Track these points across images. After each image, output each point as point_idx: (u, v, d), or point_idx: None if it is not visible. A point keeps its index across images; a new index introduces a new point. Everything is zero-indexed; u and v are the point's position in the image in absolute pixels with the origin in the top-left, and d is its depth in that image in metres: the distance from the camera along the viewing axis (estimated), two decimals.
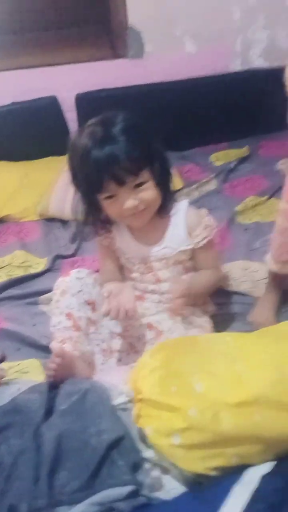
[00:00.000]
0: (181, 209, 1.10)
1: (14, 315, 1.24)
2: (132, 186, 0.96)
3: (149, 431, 0.76)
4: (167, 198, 1.06)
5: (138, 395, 0.79)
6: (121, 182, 0.95)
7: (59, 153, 1.95)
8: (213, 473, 0.71)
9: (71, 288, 1.09)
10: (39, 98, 1.99)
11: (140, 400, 0.78)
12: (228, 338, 0.86)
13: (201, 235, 1.08)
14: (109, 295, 1.00)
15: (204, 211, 1.12)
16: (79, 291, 1.09)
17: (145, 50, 2.05)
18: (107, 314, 0.99)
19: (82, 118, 2.03)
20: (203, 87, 2.10)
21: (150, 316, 1.11)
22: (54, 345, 0.99)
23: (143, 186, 0.98)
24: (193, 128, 2.05)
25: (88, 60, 2.05)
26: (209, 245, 1.10)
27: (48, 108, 2.00)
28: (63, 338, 1.02)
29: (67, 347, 1.00)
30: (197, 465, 0.71)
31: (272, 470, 0.67)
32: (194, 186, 1.85)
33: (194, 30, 2.05)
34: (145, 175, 0.97)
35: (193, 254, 1.11)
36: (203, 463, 0.71)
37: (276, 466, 0.68)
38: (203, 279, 1.11)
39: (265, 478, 0.66)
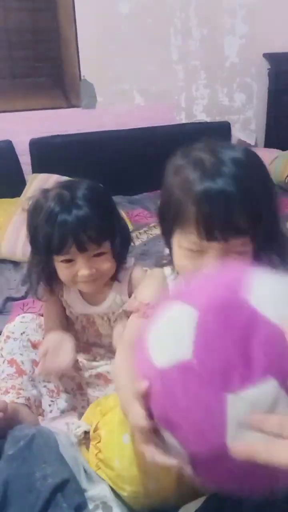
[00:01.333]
0: (127, 267, 1.10)
1: None
2: (92, 254, 0.98)
3: (103, 434, 0.82)
4: (121, 267, 1.07)
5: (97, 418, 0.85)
6: (83, 249, 0.96)
7: (11, 195, 2.01)
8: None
9: (14, 333, 1.11)
10: None
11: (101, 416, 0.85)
12: None
13: None
14: (44, 353, 1.00)
15: (149, 272, 1.11)
16: (22, 333, 1.11)
17: (97, 100, 2.18)
18: (39, 375, 1.02)
19: (36, 161, 2.11)
20: (151, 136, 2.25)
21: (99, 367, 1.14)
22: None
23: (102, 257, 1.00)
24: (142, 174, 2.17)
25: (43, 108, 2.15)
26: None
27: (2, 152, 2.06)
28: (6, 388, 1.02)
29: (10, 396, 1.00)
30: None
31: (202, 505, 0.74)
32: (142, 229, 1.95)
33: (142, 86, 2.22)
34: (106, 246, 0.99)
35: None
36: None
37: (205, 501, 0.75)
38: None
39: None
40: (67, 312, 1.15)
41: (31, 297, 1.56)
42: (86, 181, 1.02)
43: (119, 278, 1.09)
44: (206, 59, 2.23)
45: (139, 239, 1.91)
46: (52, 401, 1.10)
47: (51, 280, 1.07)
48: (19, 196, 1.99)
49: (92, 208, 0.95)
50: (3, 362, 1.07)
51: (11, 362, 1.07)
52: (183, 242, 0.73)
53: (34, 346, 1.12)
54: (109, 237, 1.00)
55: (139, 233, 1.94)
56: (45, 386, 1.10)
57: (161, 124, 2.26)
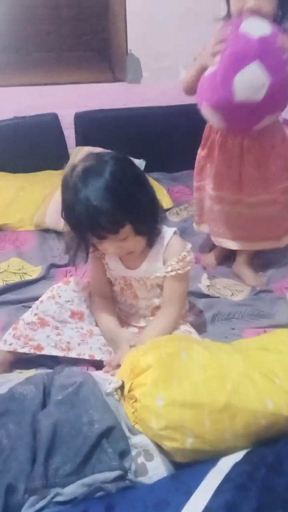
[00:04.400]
0: (164, 238, 1.13)
1: (11, 320, 1.31)
2: (115, 239, 1.02)
3: (138, 395, 0.86)
4: (153, 236, 1.10)
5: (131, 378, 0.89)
6: (102, 238, 1.02)
7: (56, 167, 2.06)
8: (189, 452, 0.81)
9: (60, 297, 1.18)
10: (40, 114, 2.10)
11: (135, 376, 0.89)
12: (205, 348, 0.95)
13: (172, 266, 1.11)
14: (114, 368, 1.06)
15: (188, 246, 1.14)
16: (67, 301, 1.18)
17: (143, 75, 2.19)
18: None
19: (80, 135, 2.15)
20: (194, 113, 2.23)
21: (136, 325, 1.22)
22: None
23: (126, 239, 1.03)
24: (183, 151, 2.17)
25: (89, 82, 2.17)
26: (178, 279, 1.12)
27: (48, 124, 2.11)
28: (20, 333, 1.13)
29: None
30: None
31: (242, 458, 0.77)
32: (183, 206, 1.97)
33: (188, 62, 2.20)
34: (125, 231, 1.01)
35: (164, 281, 1.15)
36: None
37: (246, 455, 0.78)
38: (158, 329, 1.13)
39: (236, 465, 0.76)
40: (108, 274, 1.20)
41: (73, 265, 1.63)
42: (112, 160, 1.00)
43: (153, 245, 1.12)
44: None
45: (179, 215, 1.93)
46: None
47: (88, 247, 1.12)
48: (62, 169, 2.03)
49: (109, 201, 0.96)
50: (33, 314, 1.15)
51: (40, 319, 1.14)
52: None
53: (74, 315, 1.18)
54: (128, 222, 1.00)
55: (179, 209, 1.96)
56: (78, 331, 1.16)
57: None
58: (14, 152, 2.05)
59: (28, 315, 1.17)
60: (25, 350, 1.12)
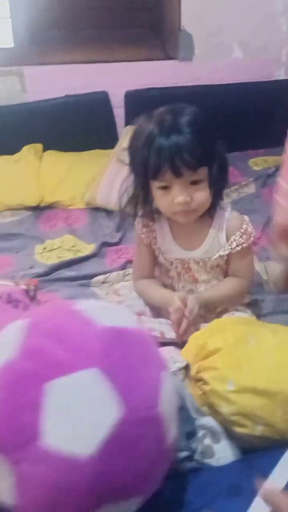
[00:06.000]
0: (223, 213, 1.10)
1: (68, 296, 1.32)
2: (188, 181, 0.97)
3: (207, 378, 0.85)
4: (216, 202, 1.06)
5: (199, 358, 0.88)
6: (178, 174, 0.95)
7: (105, 147, 2.05)
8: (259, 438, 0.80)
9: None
10: (91, 93, 2.08)
11: (203, 358, 0.88)
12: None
13: (237, 241, 1.08)
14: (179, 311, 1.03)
15: (245, 217, 1.12)
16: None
17: (195, 53, 2.13)
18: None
19: (130, 114, 2.12)
20: (247, 92, 2.17)
21: None
22: None
23: (198, 185, 0.99)
24: (234, 132, 2.12)
25: (140, 60, 2.13)
26: (244, 252, 1.10)
27: (98, 103, 2.09)
28: None
29: None
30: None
31: None
32: (233, 187, 1.92)
33: (242, 38, 2.12)
34: (202, 173, 0.98)
35: (227, 258, 1.11)
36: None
37: None
38: (222, 290, 1.12)
39: None
40: (161, 260, 1.16)
41: (124, 244, 1.63)
42: (192, 107, 1.00)
43: (214, 216, 1.08)
44: None
45: (229, 196, 1.88)
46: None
47: (149, 209, 1.09)
48: (111, 148, 2.02)
49: (192, 133, 0.94)
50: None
51: None
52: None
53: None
54: (207, 163, 0.98)
55: (230, 191, 1.91)
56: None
57: (258, 80, 2.17)
58: (64, 130, 2.05)
59: None
60: None
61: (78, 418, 0.51)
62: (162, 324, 1.12)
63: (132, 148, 1.03)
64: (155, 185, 1.00)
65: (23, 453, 0.50)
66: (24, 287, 0.99)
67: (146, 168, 0.97)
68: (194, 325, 1.06)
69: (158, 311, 1.17)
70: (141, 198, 1.06)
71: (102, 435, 0.50)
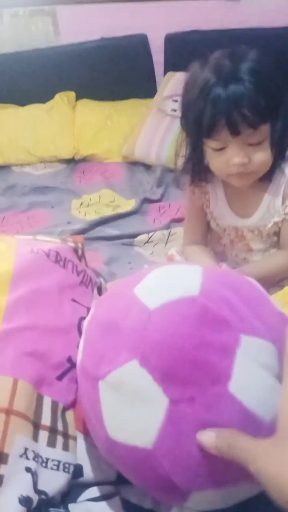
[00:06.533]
0: (281, 175, 0.95)
1: (111, 256, 1.25)
2: (247, 142, 0.84)
3: None
4: (277, 163, 0.92)
5: None
6: (236, 132, 0.82)
7: (143, 95, 1.90)
8: None
9: None
10: (128, 36, 1.92)
11: None
12: None
13: None
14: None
15: None
16: None
17: None
18: None
19: (170, 60, 1.96)
20: None
21: None
22: None
23: (258, 147, 0.85)
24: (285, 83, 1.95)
25: None
26: None
27: (136, 47, 1.93)
28: None
29: None
30: None
31: None
32: None
33: None
34: (264, 131, 0.84)
35: (282, 226, 0.99)
36: None
37: None
38: (265, 267, 1.00)
39: None
40: (213, 225, 1.05)
41: (166, 201, 1.52)
42: (255, 51, 0.85)
43: (273, 179, 0.95)
44: None
45: None
46: None
47: (201, 171, 0.96)
48: (149, 98, 1.87)
49: (253, 84, 0.80)
50: None
51: None
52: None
53: None
54: (269, 119, 0.83)
55: None
56: None
57: None
58: (99, 77, 1.91)
59: None
60: None
61: (265, 377, 0.45)
62: None
63: (184, 99, 0.88)
64: (209, 143, 0.87)
65: (202, 393, 0.43)
66: (72, 244, 0.89)
67: (200, 124, 0.84)
68: None
69: None
70: (194, 156, 0.93)
71: None
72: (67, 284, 0.85)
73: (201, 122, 0.83)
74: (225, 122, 0.81)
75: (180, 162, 0.98)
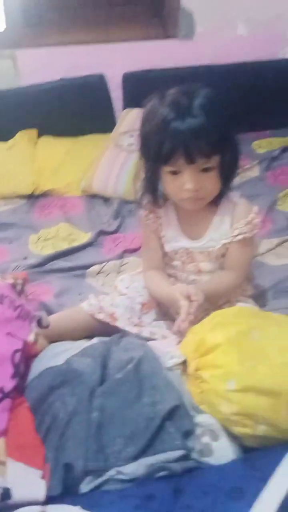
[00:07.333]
0: (231, 200, 1.05)
1: (63, 288, 1.28)
2: (199, 169, 0.93)
3: (207, 377, 0.79)
4: (225, 190, 1.02)
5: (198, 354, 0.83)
6: (191, 160, 0.91)
7: (103, 130, 1.97)
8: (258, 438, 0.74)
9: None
10: (87, 76, 2.00)
11: (202, 355, 0.82)
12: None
13: (239, 229, 1.03)
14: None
15: (254, 208, 1.07)
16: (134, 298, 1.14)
17: (196, 31, 2.03)
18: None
19: (128, 97, 2.04)
20: (251, 72, 2.08)
21: None
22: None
23: (209, 173, 0.95)
24: (237, 113, 2.03)
25: (138, 39, 2.05)
26: (245, 243, 1.05)
27: (95, 86, 2.01)
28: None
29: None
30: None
31: None
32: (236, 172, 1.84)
33: (247, 14, 2.02)
34: (214, 161, 0.94)
35: (228, 248, 1.07)
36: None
37: None
38: (215, 283, 1.07)
39: None
40: (167, 248, 1.11)
41: (122, 232, 1.57)
42: (206, 89, 0.94)
43: (221, 204, 1.04)
44: None
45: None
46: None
47: (156, 196, 1.05)
48: (108, 132, 1.95)
49: (207, 119, 0.89)
50: (99, 312, 1.10)
51: (111, 315, 1.09)
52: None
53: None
54: (220, 151, 0.93)
55: None
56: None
57: (263, 58, 2.07)
58: (60, 115, 1.97)
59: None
60: (101, 316, 1.08)
61: None
62: (162, 328, 1.09)
63: (143, 131, 0.98)
64: (165, 169, 0.96)
65: None
66: (11, 281, 0.93)
67: (159, 153, 0.93)
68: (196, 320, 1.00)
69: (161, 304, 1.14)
70: (150, 181, 1.03)
71: None
72: (3, 318, 0.89)
73: (160, 151, 0.92)
74: (183, 152, 0.90)
75: (138, 190, 1.07)
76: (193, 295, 0.95)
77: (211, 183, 0.96)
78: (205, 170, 0.94)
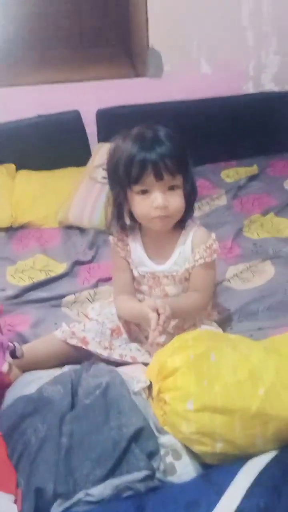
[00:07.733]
0: (191, 227, 1.15)
1: (39, 318, 1.33)
2: (167, 186, 1.04)
3: (168, 398, 0.85)
4: (188, 213, 1.12)
5: (161, 377, 0.89)
6: (159, 176, 1.02)
7: (78, 164, 2.06)
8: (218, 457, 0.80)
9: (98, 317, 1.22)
10: (62, 112, 2.10)
11: (163, 378, 0.88)
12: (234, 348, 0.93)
13: (200, 254, 1.12)
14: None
15: (213, 235, 1.15)
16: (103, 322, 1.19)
17: (164, 69, 2.17)
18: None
19: (102, 132, 2.14)
20: (216, 106, 2.21)
21: None
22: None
23: (175, 191, 1.06)
24: (205, 145, 2.15)
25: (110, 78, 2.16)
26: (206, 267, 1.13)
27: (70, 122, 2.10)
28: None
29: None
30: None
31: (272, 459, 0.76)
32: (205, 201, 1.95)
33: (210, 53, 2.17)
34: (179, 179, 1.06)
35: (191, 272, 1.14)
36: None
37: (275, 458, 0.77)
38: (182, 303, 1.14)
39: (267, 466, 0.75)
40: (135, 273, 1.18)
41: (96, 262, 1.64)
42: (163, 124, 1.08)
43: (184, 229, 1.14)
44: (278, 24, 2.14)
45: (201, 210, 1.91)
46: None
47: (123, 224, 1.14)
48: (85, 166, 2.04)
49: (171, 143, 1.03)
50: (71, 337, 1.15)
51: (82, 340, 1.15)
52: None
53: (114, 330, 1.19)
54: (183, 172, 1.06)
55: (201, 204, 1.94)
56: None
57: (227, 94, 2.21)
58: (37, 150, 2.05)
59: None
60: (73, 342, 1.14)
61: None
62: (132, 350, 1.15)
63: (109, 165, 1.10)
64: (135, 189, 1.05)
65: None
66: None
67: (129, 174, 1.04)
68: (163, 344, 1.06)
69: (131, 327, 1.20)
70: (118, 209, 1.12)
71: None
72: None
73: (130, 172, 1.03)
74: (151, 170, 1.02)
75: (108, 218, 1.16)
76: (160, 308, 1.03)
77: (177, 200, 1.06)
78: (172, 188, 1.05)
